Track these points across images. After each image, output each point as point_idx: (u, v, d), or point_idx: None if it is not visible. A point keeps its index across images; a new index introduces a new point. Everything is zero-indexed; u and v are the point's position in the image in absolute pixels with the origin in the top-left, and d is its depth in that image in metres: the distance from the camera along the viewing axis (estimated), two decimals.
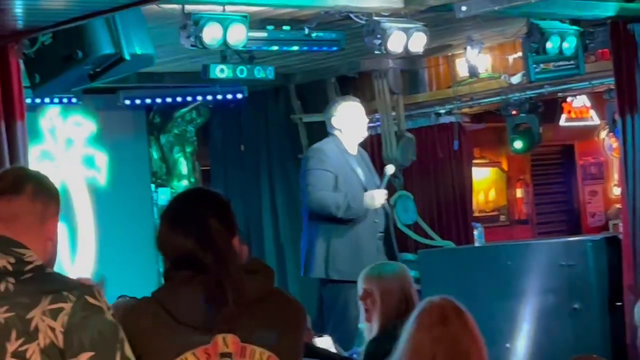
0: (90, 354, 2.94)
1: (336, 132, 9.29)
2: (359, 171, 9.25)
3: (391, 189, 10.83)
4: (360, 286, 5.90)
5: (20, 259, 3.06)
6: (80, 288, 3.03)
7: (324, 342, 7.00)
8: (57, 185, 3.36)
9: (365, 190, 9.15)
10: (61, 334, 2.94)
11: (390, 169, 9.62)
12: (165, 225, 3.41)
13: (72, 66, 7.39)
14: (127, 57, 7.33)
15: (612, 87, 9.85)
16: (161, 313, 3.28)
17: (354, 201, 9.00)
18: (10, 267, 3.03)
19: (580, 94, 13.81)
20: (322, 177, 9.06)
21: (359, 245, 9.01)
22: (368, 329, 5.88)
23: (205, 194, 3.53)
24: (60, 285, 3.02)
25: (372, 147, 11.34)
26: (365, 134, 9.55)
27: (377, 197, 9.28)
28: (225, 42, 7.93)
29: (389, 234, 9.25)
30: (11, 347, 2.93)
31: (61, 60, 7.39)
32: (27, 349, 2.93)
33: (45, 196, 3.22)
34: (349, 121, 9.31)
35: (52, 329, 2.94)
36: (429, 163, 12.58)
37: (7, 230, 3.10)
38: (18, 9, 6.36)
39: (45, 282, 3.03)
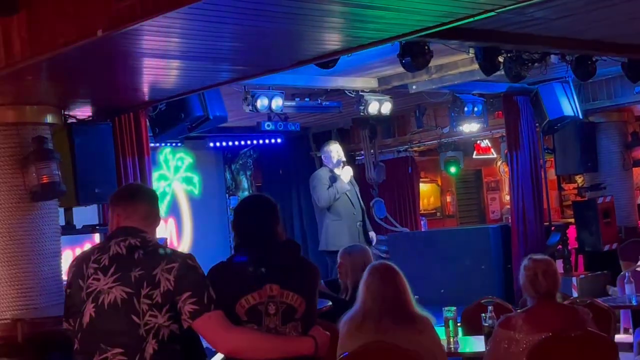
0: (189, 292, 2.94)
1: (325, 162, 9.16)
2: (342, 179, 9.07)
3: (370, 196, 10.82)
4: (338, 259, 5.89)
5: (144, 238, 3.07)
6: (182, 255, 3.04)
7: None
8: (168, 196, 3.39)
9: (344, 189, 8.95)
10: (173, 282, 2.94)
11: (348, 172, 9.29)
12: (238, 216, 3.40)
13: (178, 123, 7.35)
14: (211, 117, 7.29)
15: (504, 134, 9.82)
16: (231, 270, 3.25)
17: (334, 190, 8.86)
18: (138, 244, 3.04)
19: (485, 139, 13.76)
20: (321, 187, 8.99)
21: (346, 229, 8.90)
22: (343, 283, 5.86)
23: (262, 198, 3.46)
24: (171, 254, 3.03)
25: (358, 171, 11.28)
26: (343, 159, 9.17)
27: (345, 174, 9.05)
28: (270, 108, 7.94)
29: (364, 223, 9.17)
30: (144, 291, 2.94)
31: (171, 119, 7.36)
32: (153, 293, 2.93)
33: (150, 201, 3.23)
34: (331, 153, 9.16)
35: (168, 279, 2.94)
36: (394, 181, 12.51)
37: (131, 223, 3.12)
38: (146, 89, 6.37)
39: (161, 252, 3.03)
